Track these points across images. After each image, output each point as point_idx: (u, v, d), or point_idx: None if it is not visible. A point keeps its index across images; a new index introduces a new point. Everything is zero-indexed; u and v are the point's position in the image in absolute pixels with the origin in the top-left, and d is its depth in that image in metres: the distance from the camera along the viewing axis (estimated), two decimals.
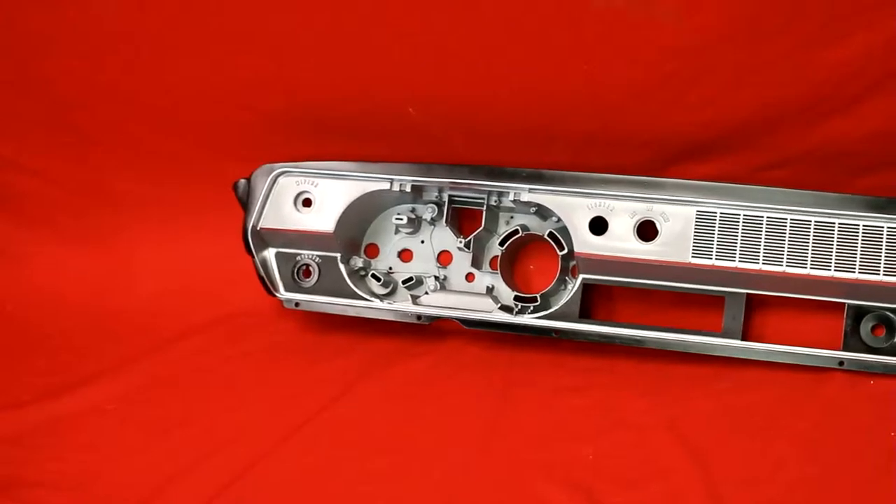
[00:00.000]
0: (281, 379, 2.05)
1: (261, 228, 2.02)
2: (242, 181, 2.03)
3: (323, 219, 1.99)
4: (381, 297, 2.01)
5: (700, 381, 1.91)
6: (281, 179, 2.02)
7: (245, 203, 2.03)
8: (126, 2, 2.01)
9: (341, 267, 2.01)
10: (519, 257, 2.05)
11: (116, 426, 1.99)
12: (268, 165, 2.02)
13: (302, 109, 2.03)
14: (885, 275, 1.80)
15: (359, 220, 2.03)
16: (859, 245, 1.81)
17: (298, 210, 2.01)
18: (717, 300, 1.90)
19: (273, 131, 2.07)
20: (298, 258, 2.04)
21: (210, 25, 1.99)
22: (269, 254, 2.05)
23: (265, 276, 2.04)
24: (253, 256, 2.04)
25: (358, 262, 2.03)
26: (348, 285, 2.01)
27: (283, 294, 2.04)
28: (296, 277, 2.04)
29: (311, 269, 2.03)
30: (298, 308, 2.04)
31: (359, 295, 2.00)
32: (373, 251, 2.06)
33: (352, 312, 2.02)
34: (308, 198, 2.01)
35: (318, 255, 2.02)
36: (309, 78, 2.00)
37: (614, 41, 1.83)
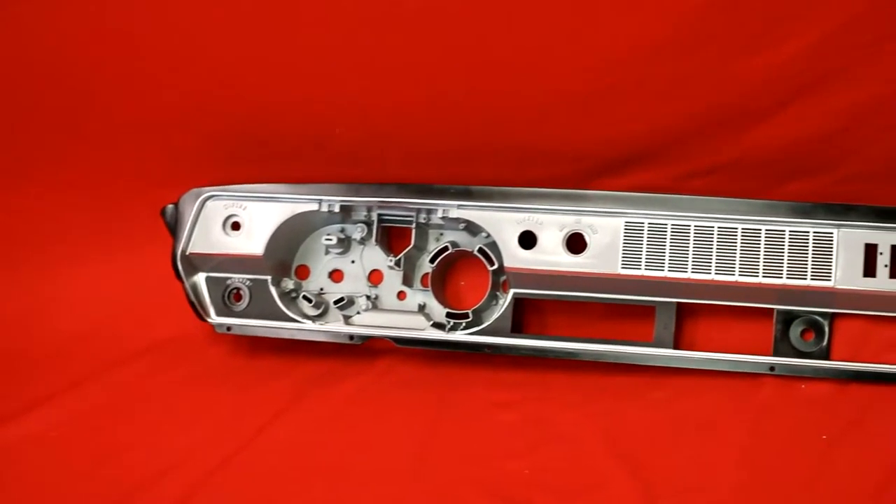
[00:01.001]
0: (216, 404, 2.04)
1: (190, 253, 2.01)
2: (170, 206, 2.02)
3: (252, 242, 1.98)
4: (313, 319, 2.00)
5: (634, 392, 1.91)
6: (209, 203, 2.00)
7: (173, 228, 2.02)
8: (55, 26, 1.99)
9: (272, 289, 2.00)
10: (450, 274, 2.04)
11: (58, 454, 1.97)
12: (195, 190, 2.01)
13: (230, 133, 2.02)
14: (812, 279, 1.82)
15: (288, 242, 2.02)
16: (786, 251, 1.82)
17: (227, 234, 2.00)
18: (648, 310, 1.90)
19: (201, 156, 2.05)
20: (229, 282, 2.02)
21: (134, 52, 1.98)
22: (199, 278, 2.04)
23: (196, 302, 2.03)
24: (183, 282, 2.02)
25: (289, 283, 2.02)
26: (279, 307, 1.99)
27: (214, 319, 2.03)
28: (226, 301, 2.03)
29: (241, 292, 2.02)
30: (230, 332, 2.03)
31: (290, 317, 1.99)
32: (303, 272, 2.05)
33: (284, 335, 2.00)
34: (237, 221, 2.00)
35: (248, 279, 2.01)
36: (236, 102, 1.99)
37: (545, 55, 1.84)
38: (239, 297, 2.02)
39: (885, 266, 1.81)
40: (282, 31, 1.91)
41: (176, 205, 2.02)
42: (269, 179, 2.01)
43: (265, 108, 1.97)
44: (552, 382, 1.95)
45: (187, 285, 2.02)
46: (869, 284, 1.82)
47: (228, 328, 2.02)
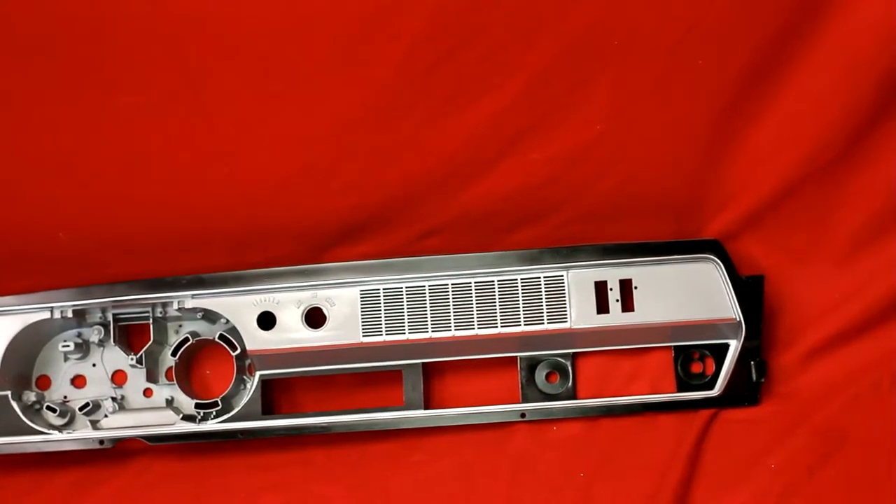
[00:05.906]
0: None
1: None
2: None
3: None
4: (60, 428, 1.94)
5: (393, 457, 1.93)
6: None
7: None
8: None
9: (13, 404, 1.93)
10: (194, 364, 2.02)
11: None
12: None
13: None
14: (548, 323, 1.86)
15: (24, 354, 1.96)
16: (520, 298, 1.86)
17: None
18: (396, 374, 1.92)
19: None
20: None
21: None
22: None
23: None
24: None
25: (30, 396, 1.96)
26: (23, 422, 1.93)
27: None
28: None
29: None
30: None
31: (36, 430, 1.93)
32: (44, 382, 1.99)
33: (31, 449, 1.94)
34: None
35: None
36: None
37: (249, 138, 1.84)
38: None
39: (617, 301, 1.87)
40: None
41: None
42: None
43: None
44: (311, 459, 1.95)
45: None
46: (604, 321, 1.87)
47: None
